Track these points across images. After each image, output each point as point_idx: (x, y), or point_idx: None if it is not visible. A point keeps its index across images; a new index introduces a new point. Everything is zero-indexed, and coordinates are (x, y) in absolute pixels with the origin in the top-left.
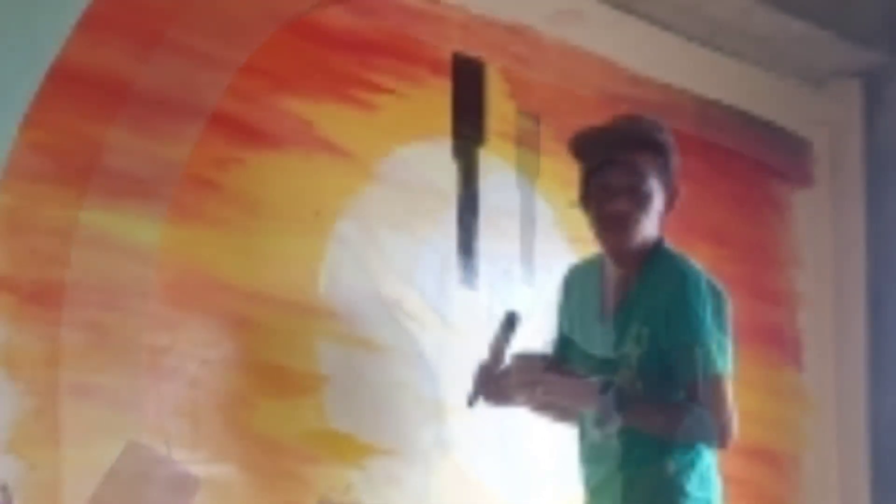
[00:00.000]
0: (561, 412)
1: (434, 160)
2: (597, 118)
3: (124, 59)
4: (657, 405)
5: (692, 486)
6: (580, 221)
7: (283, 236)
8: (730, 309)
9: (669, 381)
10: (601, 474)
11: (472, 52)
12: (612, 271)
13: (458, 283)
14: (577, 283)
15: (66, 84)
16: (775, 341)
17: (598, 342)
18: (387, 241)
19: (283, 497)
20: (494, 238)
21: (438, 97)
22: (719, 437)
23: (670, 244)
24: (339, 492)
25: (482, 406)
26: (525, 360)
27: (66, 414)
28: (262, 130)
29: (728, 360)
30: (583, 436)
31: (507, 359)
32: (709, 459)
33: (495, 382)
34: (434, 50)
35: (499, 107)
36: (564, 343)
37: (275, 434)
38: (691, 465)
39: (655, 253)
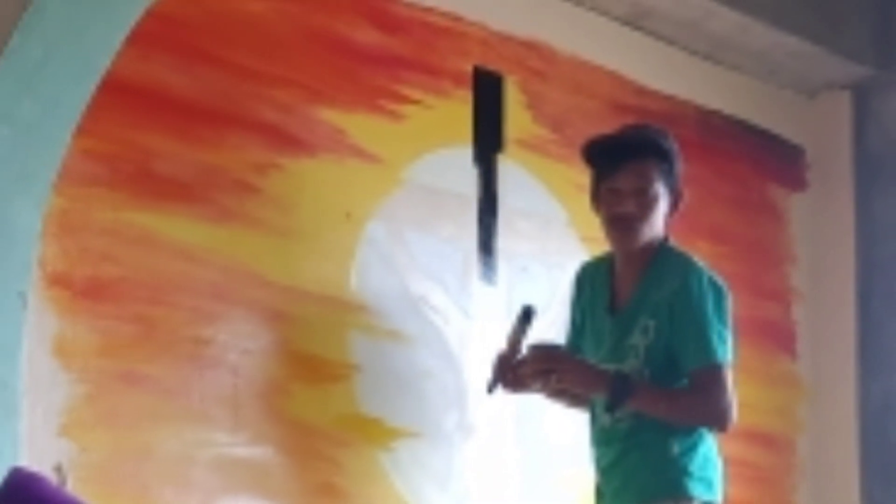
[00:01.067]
0: (573, 398)
1: (456, 166)
2: (606, 127)
3: (170, 72)
4: (662, 392)
5: (695, 467)
6: (591, 222)
7: (317, 236)
8: (730, 303)
9: (674, 369)
10: (611, 456)
11: (492, 65)
12: (621, 268)
13: (478, 279)
14: (588, 280)
15: (116, 95)
16: (771, 333)
17: (608, 334)
18: (413, 241)
19: (317, 477)
20: (512, 238)
21: (460, 107)
22: (720, 422)
23: (675, 243)
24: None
25: (501, 393)
26: (540, 350)
27: (115, 400)
28: (298, 138)
29: (728, 350)
30: (594, 420)
31: (524, 349)
32: (710, 442)
33: (513, 371)
34: (456, 64)
35: (516, 116)
36: (577, 335)
37: (309, 419)
38: (694, 447)
39: (661, 251)
